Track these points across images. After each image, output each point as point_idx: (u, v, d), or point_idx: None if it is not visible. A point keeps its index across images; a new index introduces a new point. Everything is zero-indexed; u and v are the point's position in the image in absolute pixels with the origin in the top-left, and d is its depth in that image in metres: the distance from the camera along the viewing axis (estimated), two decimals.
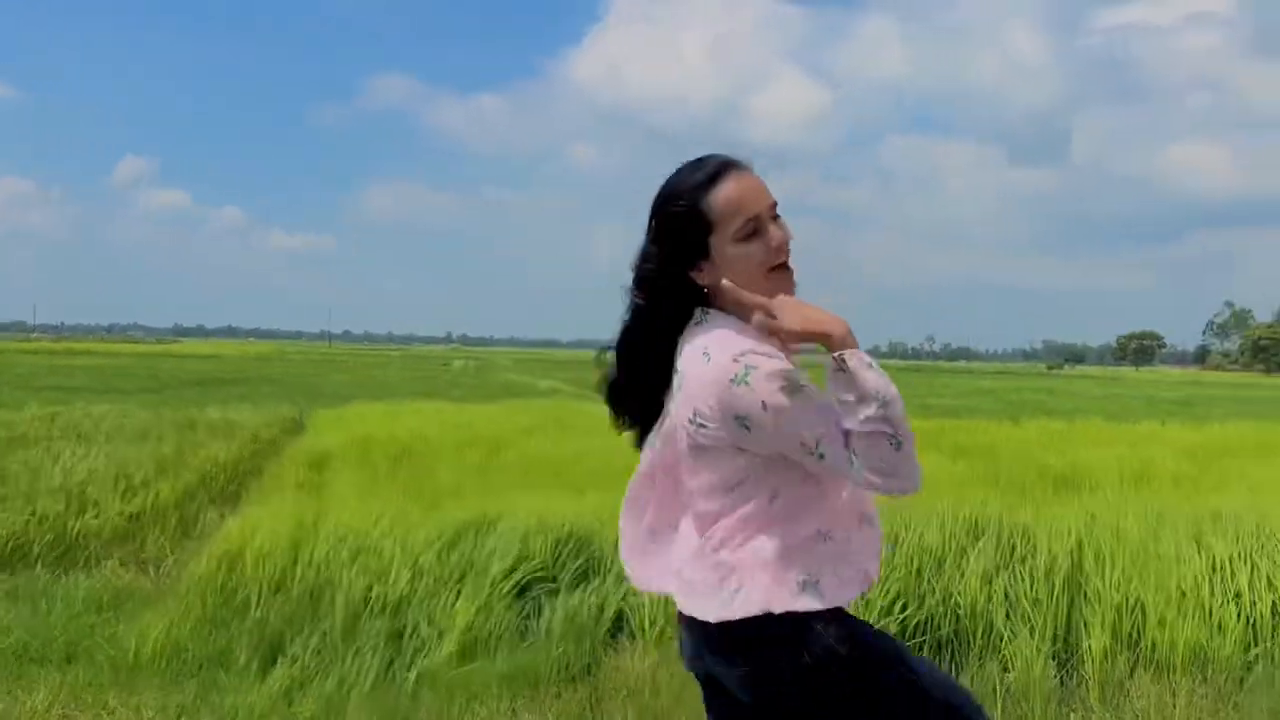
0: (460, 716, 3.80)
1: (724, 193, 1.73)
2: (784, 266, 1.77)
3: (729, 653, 1.74)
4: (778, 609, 1.67)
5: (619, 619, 4.73)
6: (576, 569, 5.17)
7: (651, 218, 1.82)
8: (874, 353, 1.64)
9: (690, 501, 1.82)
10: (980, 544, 5.14)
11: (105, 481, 7.25)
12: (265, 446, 11.01)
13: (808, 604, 1.68)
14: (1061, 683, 4.38)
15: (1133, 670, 4.49)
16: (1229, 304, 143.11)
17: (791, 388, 1.63)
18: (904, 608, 4.68)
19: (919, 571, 4.82)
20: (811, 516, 1.72)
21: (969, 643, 4.64)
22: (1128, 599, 4.67)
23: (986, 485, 7.82)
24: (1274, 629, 4.74)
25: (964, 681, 4.35)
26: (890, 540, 4.99)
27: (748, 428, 1.65)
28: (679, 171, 1.80)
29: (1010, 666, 4.40)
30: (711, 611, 1.72)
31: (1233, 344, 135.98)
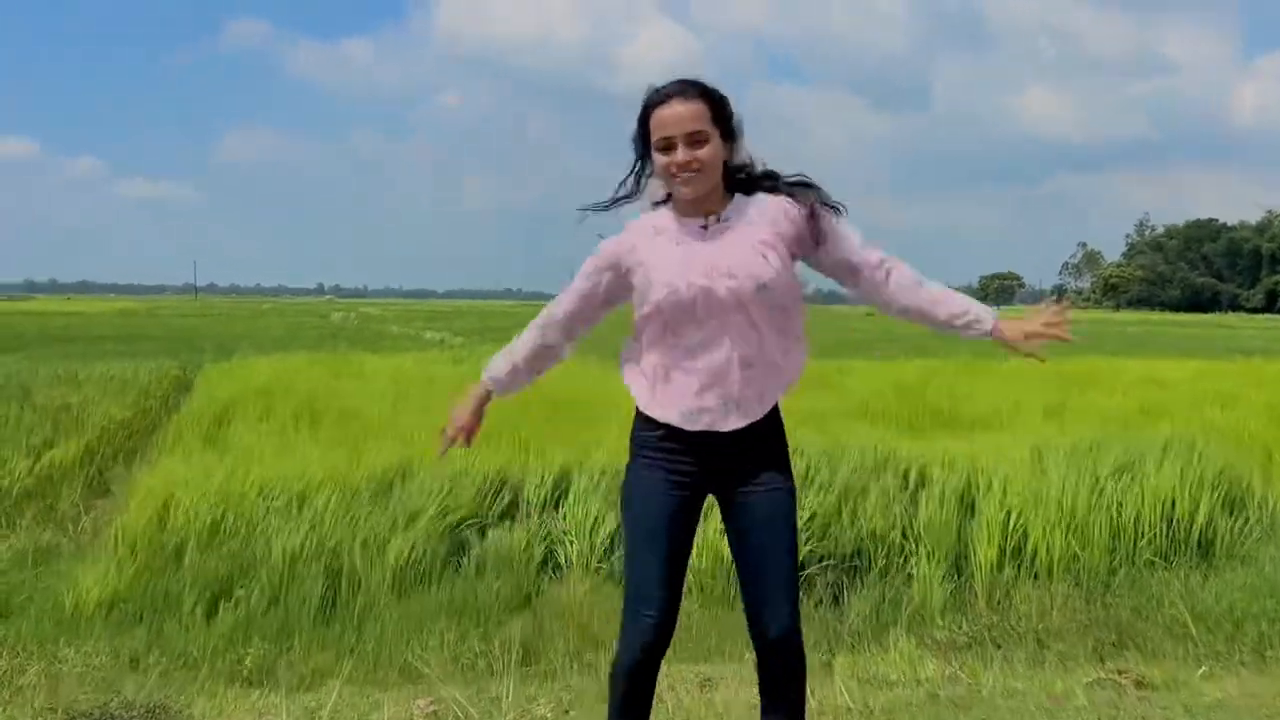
0: (409, 645, 4.01)
1: (657, 114, 2.25)
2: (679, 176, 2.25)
3: None
4: None
5: (549, 553, 4.99)
6: (502, 509, 5.41)
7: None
8: None
9: None
10: (882, 476, 5.59)
11: (3, 442, 7.10)
12: (158, 403, 10.80)
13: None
14: (954, 594, 4.85)
15: (1016, 579, 5.01)
16: (1081, 245, 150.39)
17: None
18: (815, 534, 5.08)
19: (837, 500, 5.23)
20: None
21: (870, 562, 5.08)
22: (1015, 517, 5.17)
23: (875, 421, 8.31)
24: (1134, 537, 5.33)
25: (866, 596, 4.79)
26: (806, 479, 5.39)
27: None
28: (652, 90, 2.30)
29: (913, 581, 4.85)
30: None
31: (1085, 283, 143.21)
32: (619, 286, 2.35)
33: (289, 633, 4.16)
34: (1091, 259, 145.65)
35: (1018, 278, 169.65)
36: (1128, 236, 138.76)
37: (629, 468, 2.36)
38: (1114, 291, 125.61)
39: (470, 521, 5.24)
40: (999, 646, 4.44)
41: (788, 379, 2.37)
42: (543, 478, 5.53)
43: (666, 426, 2.27)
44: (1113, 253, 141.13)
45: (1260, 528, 5.68)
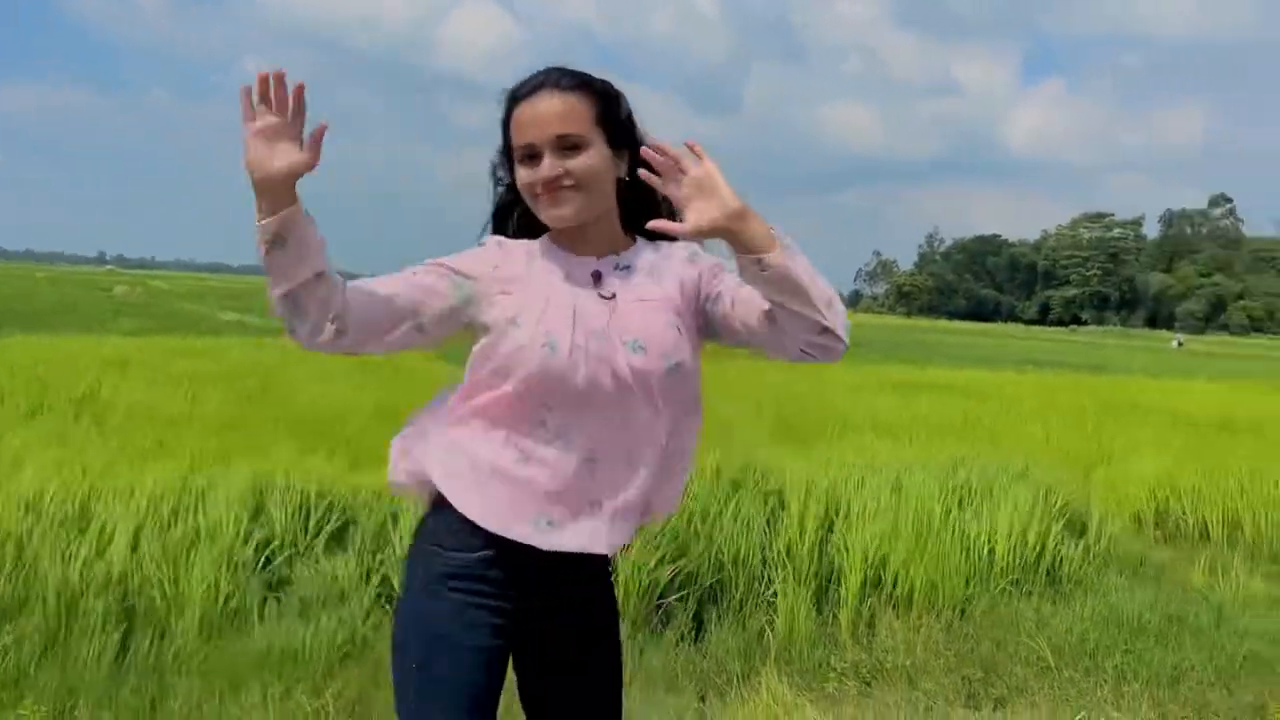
0: (223, 705, 3.40)
1: (517, 114, 1.69)
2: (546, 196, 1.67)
3: None
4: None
5: (385, 585, 4.43)
6: (329, 533, 4.80)
7: None
8: None
9: None
10: (738, 494, 5.30)
11: None
12: None
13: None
14: (818, 626, 4.62)
15: (878, 608, 4.83)
16: (877, 254, 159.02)
17: None
18: (671, 559, 4.73)
19: (688, 522, 4.89)
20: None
21: (732, 591, 4.78)
22: (874, 544, 4.99)
23: (720, 431, 8.07)
24: (990, 565, 5.27)
25: (730, 628, 4.49)
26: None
27: None
28: (529, 76, 1.72)
29: (776, 612, 4.57)
30: None
31: (880, 289, 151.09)
32: (458, 315, 1.67)
33: (72, 689, 3.46)
34: (886, 267, 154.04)
35: None
36: (919, 248, 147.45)
37: (416, 596, 1.72)
38: (906, 299, 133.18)
39: (290, 551, 4.61)
40: (868, 684, 4.23)
41: (680, 488, 1.81)
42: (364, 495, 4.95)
43: (496, 543, 1.63)
44: (906, 262, 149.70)
45: (1099, 552, 5.76)
